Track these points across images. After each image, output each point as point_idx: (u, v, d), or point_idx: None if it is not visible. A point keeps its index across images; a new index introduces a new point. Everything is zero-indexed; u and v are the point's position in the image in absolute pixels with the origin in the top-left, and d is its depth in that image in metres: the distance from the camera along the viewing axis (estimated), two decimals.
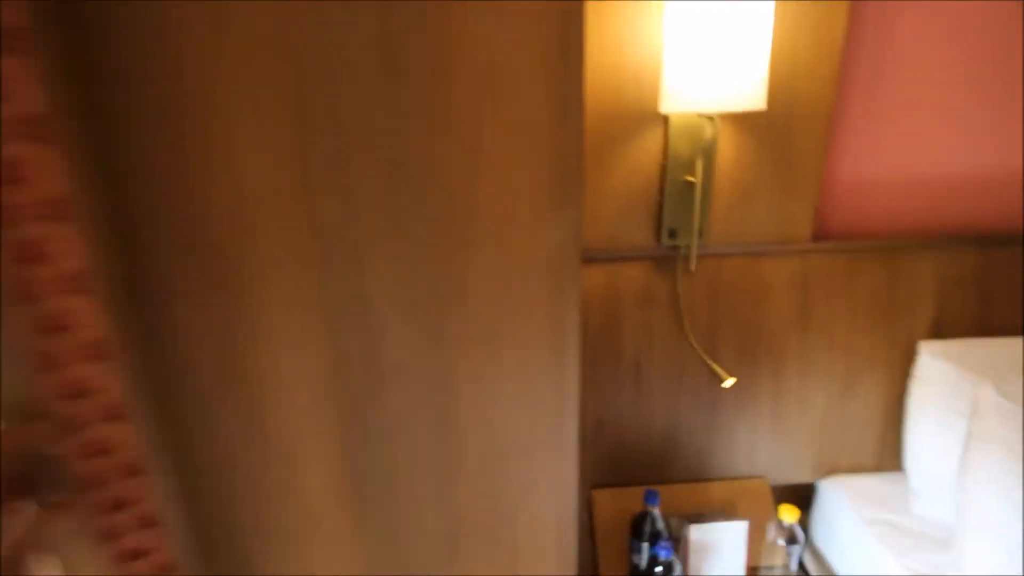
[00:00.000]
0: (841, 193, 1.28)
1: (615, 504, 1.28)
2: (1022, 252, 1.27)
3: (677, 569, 1.03)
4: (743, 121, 1.13)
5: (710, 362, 1.17)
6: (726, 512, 1.29)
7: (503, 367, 0.68)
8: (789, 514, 1.14)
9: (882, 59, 1.16)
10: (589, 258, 1.18)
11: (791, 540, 1.16)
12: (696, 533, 1.14)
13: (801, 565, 1.45)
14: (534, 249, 0.63)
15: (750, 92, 0.97)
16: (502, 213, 0.61)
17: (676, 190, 1.12)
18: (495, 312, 0.65)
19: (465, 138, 0.57)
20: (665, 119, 1.11)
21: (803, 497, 1.43)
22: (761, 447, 1.34)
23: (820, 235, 1.27)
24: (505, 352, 0.67)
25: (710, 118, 1.06)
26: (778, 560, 1.19)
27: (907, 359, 1.29)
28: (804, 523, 1.45)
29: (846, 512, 1.28)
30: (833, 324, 1.27)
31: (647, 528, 1.11)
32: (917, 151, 1.24)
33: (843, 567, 1.29)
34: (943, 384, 1.17)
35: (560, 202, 0.62)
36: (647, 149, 1.14)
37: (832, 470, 1.38)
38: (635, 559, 1.09)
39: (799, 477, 1.37)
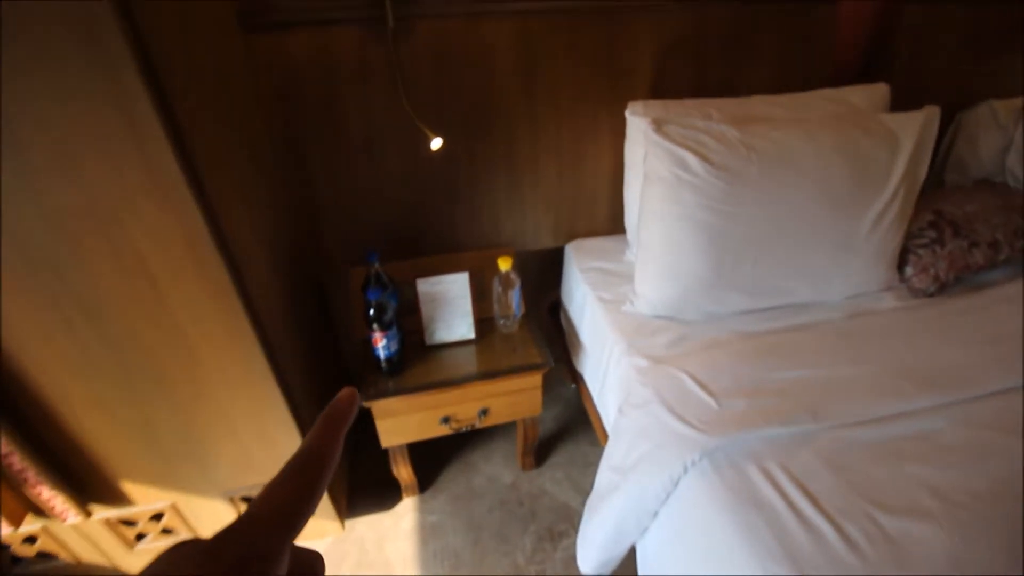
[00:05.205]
0: None
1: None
2: (732, 12, 1.34)
3: (389, 311, 1.17)
4: None
5: (418, 123, 1.20)
6: (472, 274, 1.45)
7: None
8: (503, 263, 1.30)
9: None
10: (289, 21, 1.12)
11: (510, 285, 1.33)
12: (423, 286, 1.28)
13: (554, 314, 1.70)
14: None
15: None
16: None
17: None
18: None
19: None
20: None
21: (559, 262, 1.62)
22: (504, 218, 1.47)
23: None
24: None
25: None
26: (509, 309, 1.38)
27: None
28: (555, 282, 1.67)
29: (572, 265, 1.48)
30: (558, 91, 1.33)
31: (371, 283, 1.23)
32: None
33: (572, 310, 1.53)
34: (641, 140, 1.29)
35: None
36: None
37: (572, 235, 1.55)
38: (367, 307, 1.22)
39: (542, 243, 1.54)
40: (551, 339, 1.72)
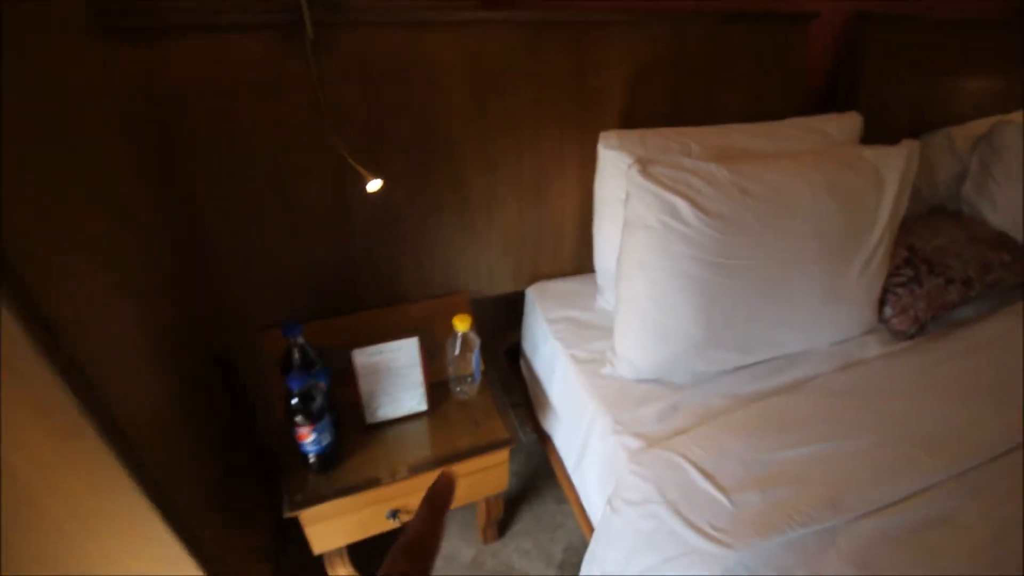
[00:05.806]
0: None
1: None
2: (709, 31, 1.20)
3: (319, 397, 0.92)
4: None
5: (351, 160, 0.96)
6: (422, 333, 1.22)
7: None
8: (460, 323, 1.08)
9: None
10: (170, 25, 0.84)
11: (469, 348, 1.12)
12: (361, 357, 1.04)
13: (516, 369, 1.50)
14: None
15: None
16: None
17: None
18: None
19: None
20: None
21: (517, 302, 1.42)
22: (456, 261, 1.25)
23: (497, 3, 1.05)
24: None
25: None
26: (467, 371, 1.17)
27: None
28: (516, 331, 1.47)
29: (536, 313, 1.29)
30: (519, 117, 1.13)
31: (295, 362, 0.98)
32: None
33: (537, 364, 1.34)
34: (616, 175, 1.13)
35: None
36: None
37: (535, 277, 1.36)
38: (288, 396, 0.96)
39: (501, 287, 1.34)
40: (509, 384, 1.52)
